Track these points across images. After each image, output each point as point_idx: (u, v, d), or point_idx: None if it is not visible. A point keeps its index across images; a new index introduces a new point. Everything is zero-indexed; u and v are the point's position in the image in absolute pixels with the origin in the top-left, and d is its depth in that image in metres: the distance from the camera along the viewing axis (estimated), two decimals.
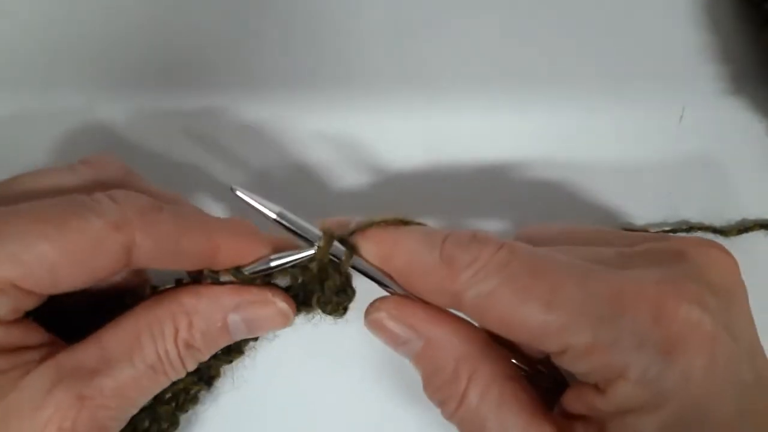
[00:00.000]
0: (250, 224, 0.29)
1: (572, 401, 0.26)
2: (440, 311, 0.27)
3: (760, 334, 0.32)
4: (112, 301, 0.29)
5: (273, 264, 0.28)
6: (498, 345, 0.27)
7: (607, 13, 0.42)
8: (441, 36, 0.42)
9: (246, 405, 0.34)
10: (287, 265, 0.28)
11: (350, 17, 0.42)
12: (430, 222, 0.38)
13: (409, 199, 0.39)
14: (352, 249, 0.27)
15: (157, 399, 0.30)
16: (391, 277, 0.27)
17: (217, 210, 0.37)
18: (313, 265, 0.28)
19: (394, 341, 0.28)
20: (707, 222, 0.38)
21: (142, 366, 0.27)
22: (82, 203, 0.26)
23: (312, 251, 0.27)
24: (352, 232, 0.28)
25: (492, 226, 0.39)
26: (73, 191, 0.28)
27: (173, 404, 0.31)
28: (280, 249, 0.28)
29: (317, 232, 0.28)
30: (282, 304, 0.28)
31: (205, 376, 0.32)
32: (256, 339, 0.32)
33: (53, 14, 0.41)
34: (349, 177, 0.39)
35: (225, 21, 0.41)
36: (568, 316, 0.24)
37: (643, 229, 0.38)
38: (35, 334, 0.27)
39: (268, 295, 0.28)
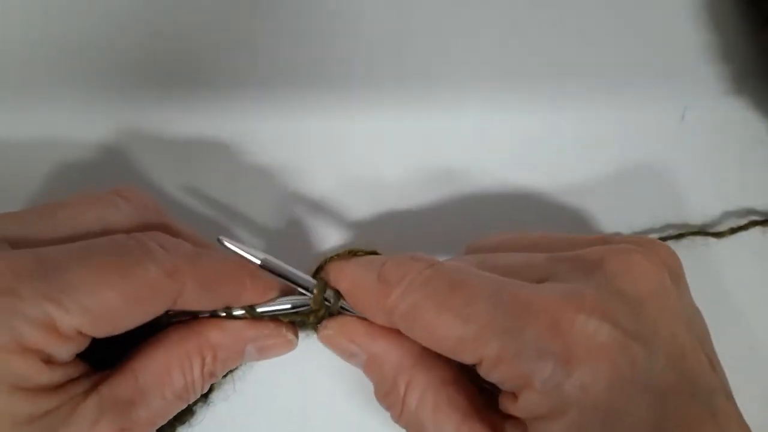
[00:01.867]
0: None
1: (501, 405, 0.28)
2: (378, 328, 0.30)
3: (757, 331, 0.31)
4: None
5: (289, 306, 0.31)
6: (435, 354, 0.28)
7: (608, 13, 0.42)
8: (441, 36, 0.41)
9: (238, 413, 0.35)
10: (300, 309, 0.31)
11: (350, 17, 0.41)
12: (431, 221, 0.38)
13: (408, 200, 0.39)
14: (338, 294, 0.31)
15: None
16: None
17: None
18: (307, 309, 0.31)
19: (344, 354, 0.31)
20: (709, 221, 0.38)
21: (171, 397, 0.29)
22: (138, 250, 0.27)
23: (308, 297, 0.31)
24: (317, 273, 0.31)
25: (492, 226, 0.38)
26: (119, 230, 0.30)
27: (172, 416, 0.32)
28: (286, 291, 0.31)
29: (304, 276, 0.31)
30: (291, 336, 0.32)
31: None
32: None
33: (35, 21, 0.41)
34: (348, 177, 0.39)
35: (220, 22, 0.41)
36: (478, 328, 0.26)
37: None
38: (79, 367, 0.28)
39: (282, 330, 0.31)
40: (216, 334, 0.30)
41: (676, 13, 0.42)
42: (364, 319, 0.30)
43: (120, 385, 0.28)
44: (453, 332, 0.26)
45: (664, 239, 0.38)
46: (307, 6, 0.41)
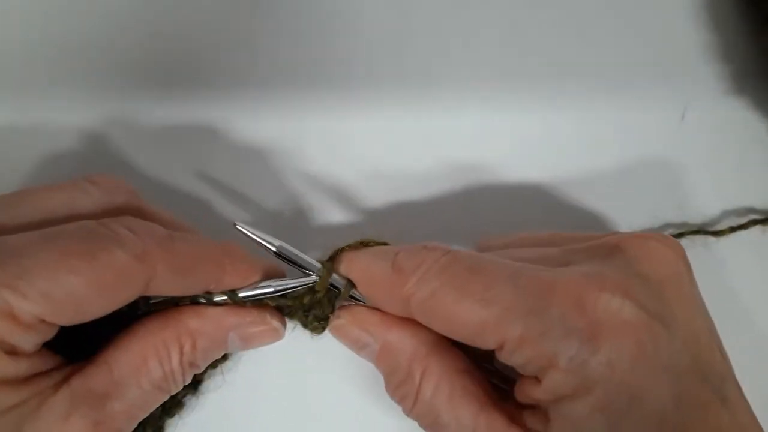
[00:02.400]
0: (244, 249, 0.30)
1: (519, 393, 0.27)
2: (394, 317, 0.29)
3: (758, 329, 0.32)
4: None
5: (272, 289, 0.30)
6: (449, 342, 0.29)
7: (608, 13, 0.42)
8: (441, 36, 0.41)
9: (229, 407, 0.34)
10: (284, 292, 0.30)
11: (350, 17, 0.41)
12: (431, 221, 0.38)
13: (407, 201, 0.39)
14: (351, 283, 0.30)
15: None
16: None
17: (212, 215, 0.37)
18: (306, 296, 0.30)
19: (356, 345, 0.30)
20: (709, 221, 0.38)
21: (149, 387, 0.28)
22: (104, 234, 0.26)
23: (311, 279, 0.30)
24: (331, 260, 0.31)
25: (491, 226, 0.38)
26: (87, 215, 0.28)
27: (159, 409, 0.31)
28: (270, 274, 0.30)
29: (316, 264, 0.30)
30: (277, 323, 0.30)
31: (192, 381, 0.32)
32: None
33: (34, 17, 0.41)
34: (347, 177, 0.39)
35: (220, 22, 0.41)
36: (501, 311, 0.25)
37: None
38: (48, 359, 0.27)
39: (266, 317, 0.30)
40: (195, 322, 0.29)
41: (676, 13, 0.42)
42: (376, 308, 0.30)
43: (93, 377, 0.27)
44: (474, 316, 0.26)
45: None
46: (307, 6, 0.41)
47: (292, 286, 0.30)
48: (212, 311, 0.29)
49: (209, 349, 0.30)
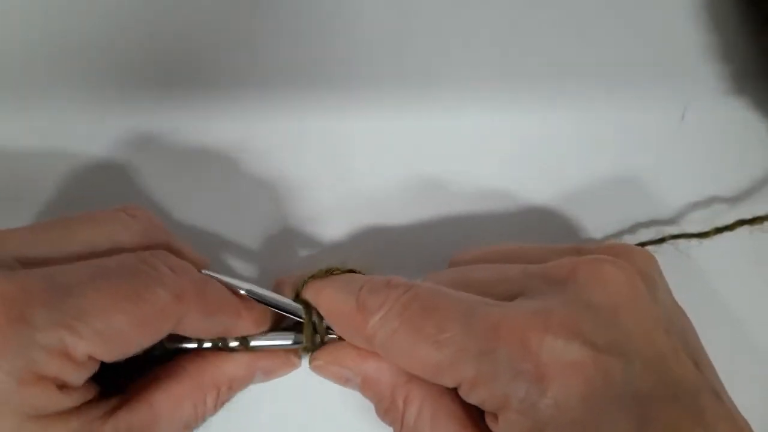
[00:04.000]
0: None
1: (487, 423, 0.28)
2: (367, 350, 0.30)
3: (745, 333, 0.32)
4: None
5: (290, 342, 0.32)
6: None
7: (608, 13, 0.42)
8: (440, 36, 0.41)
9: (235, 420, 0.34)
10: (296, 346, 0.32)
11: (350, 18, 0.41)
12: (430, 220, 0.38)
13: (407, 201, 0.39)
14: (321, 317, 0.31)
15: None
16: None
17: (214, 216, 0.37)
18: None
19: (339, 380, 0.31)
20: (708, 221, 0.38)
21: (179, 426, 0.30)
22: (149, 274, 0.28)
23: (297, 338, 0.32)
24: (297, 297, 0.32)
25: (490, 226, 0.38)
26: (127, 248, 0.30)
27: None
28: (276, 321, 0.33)
29: (290, 304, 0.32)
30: (295, 358, 0.33)
31: None
32: None
33: (34, 21, 0.41)
34: (347, 178, 0.39)
35: (220, 22, 0.41)
36: (453, 353, 0.26)
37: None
38: (91, 389, 0.28)
39: (291, 357, 0.33)
40: (231, 367, 0.31)
41: (676, 13, 0.42)
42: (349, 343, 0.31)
43: (136, 414, 0.28)
44: (430, 359, 0.26)
45: (644, 244, 0.37)
46: (307, 6, 0.41)
47: (281, 342, 0.32)
48: (247, 357, 0.31)
49: (238, 389, 0.32)
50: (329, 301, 0.30)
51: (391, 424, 0.30)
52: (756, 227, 0.37)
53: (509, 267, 0.30)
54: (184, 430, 0.30)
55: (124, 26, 0.40)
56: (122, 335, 0.26)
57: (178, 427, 0.29)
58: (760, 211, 0.38)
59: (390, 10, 0.42)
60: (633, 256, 0.29)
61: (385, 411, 0.30)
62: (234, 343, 0.31)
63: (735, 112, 0.41)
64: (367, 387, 0.30)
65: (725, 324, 0.37)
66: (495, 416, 0.26)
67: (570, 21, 0.42)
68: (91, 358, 0.26)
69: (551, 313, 0.26)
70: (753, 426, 0.27)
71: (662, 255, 0.34)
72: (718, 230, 0.37)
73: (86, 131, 0.38)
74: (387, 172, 0.39)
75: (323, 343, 0.32)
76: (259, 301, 0.31)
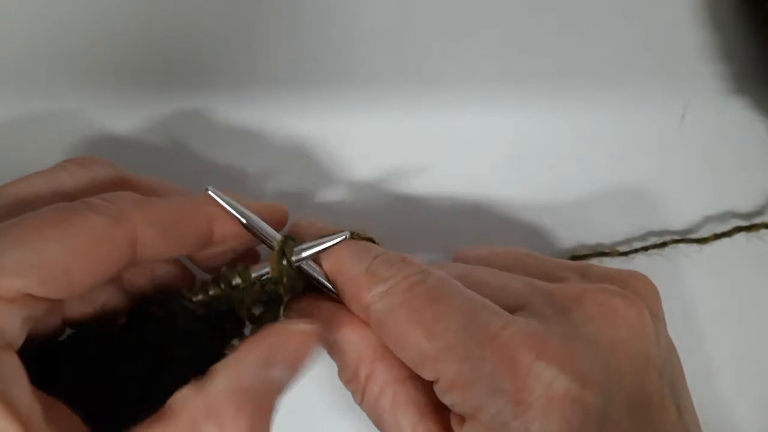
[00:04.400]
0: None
1: (451, 420, 0.27)
2: (347, 316, 0.29)
3: (739, 337, 0.32)
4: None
5: (312, 251, 0.29)
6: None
7: (608, 13, 0.42)
8: (440, 35, 0.41)
9: None
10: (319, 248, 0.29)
11: (351, 17, 0.41)
12: (429, 223, 0.38)
13: (407, 201, 0.39)
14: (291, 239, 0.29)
15: None
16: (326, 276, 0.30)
17: None
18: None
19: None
20: (708, 221, 0.39)
21: None
22: (77, 206, 0.26)
23: (340, 236, 0.29)
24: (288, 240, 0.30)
25: (490, 227, 0.38)
26: (72, 194, 0.28)
27: None
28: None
29: (269, 230, 0.30)
30: (304, 326, 0.27)
31: None
32: None
33: (41, 14, 0.41)
34: (347, 177, 0.39)
35: (221, 20, 0.41)
36: (441, 348, 0.26)
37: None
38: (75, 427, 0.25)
39: (287, 326, 0.28)
40: (209, 397, 0.25)
41: (676, 13, 0.42)
42: (335, 301, 0.29)
43: None
44: (418, 345, 0.26)
45: (646, 248, 0.37)
46: (308, 6, 0.41)
47: (320, 247, 0.29)
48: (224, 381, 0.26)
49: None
50: (341, 259, 0.29)
51: (352, 392, 0.29)
52: (753, 234, 0.38)
53: (515, 277, 0.30)
54: None
55: (123, 27, 0.40)
56: (56, 266, 0.24)
57: None
58: (760, 210, 0.39)
59: (391, 10, 0.42)
60: (638, 286, 0.29)
61: (347, 380, 0.29)
62: (236, 280, 0.29)
63: (735, 112, 0.41)
64: (332, 351, 0.29)
65: (724, 326, 0.37)
66: (462, 419, 0.26)
67: (570, 21, 0.42)
68: (27, 295, 0.24)
69: (549, 339, 0.25)
70: (752, 426, 0.27)
71: (663, 259, 0.34)
72: (717, 236, 0.37)
73: (85, 130, 0.38)
74: (388, 171, 0.39)
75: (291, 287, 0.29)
76: (254, 234, 0.29)
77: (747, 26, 0.42)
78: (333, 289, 0.30)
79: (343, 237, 0.29)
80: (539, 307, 0.27)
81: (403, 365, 0.28)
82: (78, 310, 0.30)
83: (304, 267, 0.30)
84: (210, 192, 0.29)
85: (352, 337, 0.29)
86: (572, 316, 0.26)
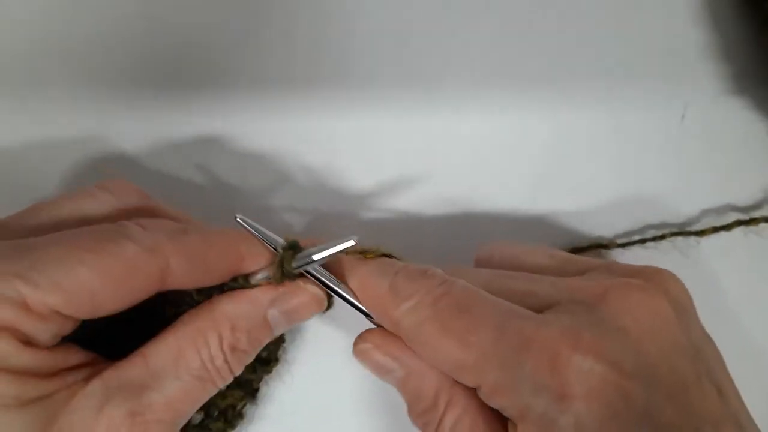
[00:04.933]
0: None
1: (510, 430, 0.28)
2: None
3: (736, 330, 0.33)
4: (153, 314, 0.30)
5: (319, 257, 0.30)
6: None
7: (608, 12, 0.42)
8: (440, 35, 0.41)
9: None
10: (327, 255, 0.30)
11: (350, 18, 0.41)
12: (428, 222, 0.38)
13: (407, 200, 0.39)
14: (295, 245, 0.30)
15: (208, 415, 0.31)
16: (354, 294, 0.30)
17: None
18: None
19: (379, 370, 0.30)
20: (708, 220, 0.39)
21: (188, 377, 0.28)
22: (114, 230, 0.27)
23: (348, 243, 0.29)
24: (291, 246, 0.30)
25: (491, 226, 0.38)
26: (97, 220, 0.29)
27: (223, 421, 0.32)
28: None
29: (272, 235, 0.30)
30: (313, 288, 0.30)
31: (250, 389, 0.33)
32: (284, 340, 0.34)
33: (45, 19, 0.41)
34: (347, 177, 0.39)
35: (220, 23, 0.41)
36: (479, 356, 0.26)
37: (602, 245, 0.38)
38: (75, 355, 0.27)
39: (299, 284, 0.30)
40: (229, 305, 0.29)
41: (676, 13, 0.42)
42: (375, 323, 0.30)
43: (128, 370, 0.27)
44: (453, 355, 0.27)
45: (644, 241, 0.38)
46: (308, 6, 0.41)
47: (329, 252, 0.29)
48: (245, 292, 0.30)
49: (251, 331, 0.29)
50: (363, 279, 0.30)
51: (424, 425, 0.29)
52: (751, 228, 0.38)
53: (539, 279, 0.30)
54: (196, 381, 0.28)
55: (123, 28, 0.40)
56: (86, 288, 0.25)
57: (185, 378, 0.27)
58: (759, 209, 0.38)
59: (391, 10, 0.42)
60: (663, 280, 0.29)
61: (423, 411, 0.29)
62: (262, 275, 0.30)
63: (735, 112, 0.41)
64: (408, 383, 0.29)
65: (722, 316, 0.37)
66: (515, 425, 0.26)
67: (570, 21, 0.42)
68: (56, 312, 0.25)
69: (581, 332, 0.26)
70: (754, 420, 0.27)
71: (660, 253, 0.34)
72: (716, 229, 0.38)
73: (84, 131, 0.38)
74: (389, 171, 0.39)
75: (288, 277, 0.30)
76: (251, 232, 0.30)
77: (747, 26, 0.42)
78: (365, 309, 0.30)
79: (351, 242, 0.29)
80: (566, 304, 0.27)
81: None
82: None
83: (332, 285, 0.30)
84: (239, 219, 0.29)
85: (429, 365, 0.29)
86: (599, 310, 0.27)
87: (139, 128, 0.39)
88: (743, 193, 0.39)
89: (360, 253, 0.31)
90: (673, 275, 0.30)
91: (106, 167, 0.38)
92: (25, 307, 0.25)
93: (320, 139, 0.39)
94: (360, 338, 0.30)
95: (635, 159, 0.40)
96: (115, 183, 0.31)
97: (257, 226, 0.30)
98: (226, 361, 0.29)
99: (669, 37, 0.42)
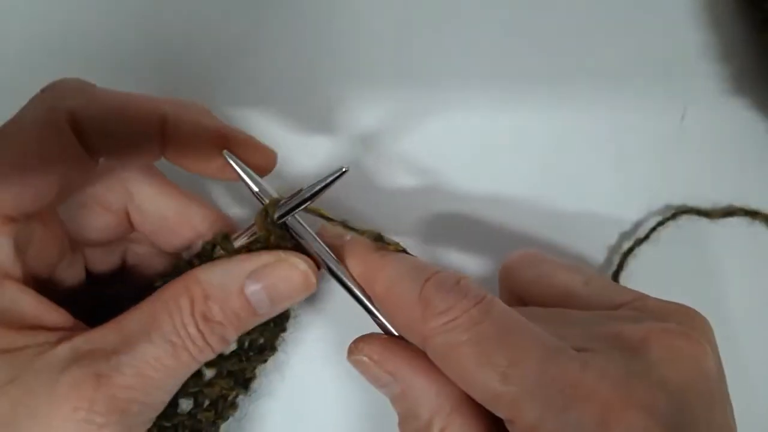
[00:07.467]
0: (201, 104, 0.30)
1: None
2: (422, 359, 0.27)
3: (738, 316, 0.33)
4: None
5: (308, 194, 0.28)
6: (473, 402, 0.27)
7: (608, 13, 0.42)
8: (440, 35, 0.41)
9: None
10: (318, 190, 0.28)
11: (351, 18, 0.41)
12: (429, 222, 0.38)
13: (407, 200, 0.39)
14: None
15: (197, 405, 0.30)
16: (370, 299, 0.28)
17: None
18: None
19: (374, 381, 0.28)
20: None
21: (160, 341, 0.26)
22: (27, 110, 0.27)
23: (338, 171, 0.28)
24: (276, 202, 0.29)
25: (492, 226, 0.38)
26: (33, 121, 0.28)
27: (213, 411, 0.31)
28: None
29: (262, 183, 0.29)
30: (296, 260, 0.28)
31: (241, 379, 0.32)
32: (284, 330, 0.32)
33: (47, 19, 0.41)
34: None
35: (220, 24, 0.41)
36: (519, 392, 0.24)
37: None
38: (55, 315, 0.27)
39: (280, 254, 0.28)
40: (202, 273, 0.28)
41: (676, 13, 0.42)
42: (403, 342, 0.28)
43: (100, 336, 0.26)
44: (490, 387, 0.25)
45: (661, 222, 0.38)
46: (308, 6, 0.41)
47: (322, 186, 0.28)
48: (221, 260, 0.28)
49: (226, 302, 0.27)
50: (390, 280, 0.27)
51: None
52: (756, 220, 0.38)
53: (575, 320, 0.28)
54: (168, 346, 0.26)
55: (123, 28, 0.41)
56: (8, 175, 0.25)
57: (156, 341, 0.26)
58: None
59: (391, 10, 0.42)
60: (696, 322, 0.28)
61: (414, 430, 0.27)
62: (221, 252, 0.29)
63: (735, 112, 0.41)
64: (403, 399, 0.28)
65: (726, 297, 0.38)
66: None
67: (570, 21, 0.42)
68: (4, 216, 0.25)
69: (633, 386, 0.24)
70: (749, 417, 0.27)
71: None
72: (725, 213, 0.38)
73: None
74: (390, 171, 0.39)
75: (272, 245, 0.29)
76: (259, 200, 0.29)
77: (747, 26, 0.42)
78: (370, 306, 0.28)
79: (342, 171, 0.27)
80: (604, 347, 0.26)
81: (480, 419, 0.27)
82: (98, 259, 0.31)
83: (349, 286, 0.28)
84: (225, 155, 0.29)
85: (429, 386, 0.27)
86: (641, 358, 0.26)
87: None
88: (743, 193, 0.39)
89: (376, 238, 0.29)
90: (703, 317, 0.29)
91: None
92: None
93: (320, 138, 0.39)
94: (356, 347, 0.28)
95: (633, 159, 0.40)
96: (60, 82, 0.29)
97: (247, 168, 0.29)
98: (199, 330, 0.27)
99: (669, 37, 0.42)
